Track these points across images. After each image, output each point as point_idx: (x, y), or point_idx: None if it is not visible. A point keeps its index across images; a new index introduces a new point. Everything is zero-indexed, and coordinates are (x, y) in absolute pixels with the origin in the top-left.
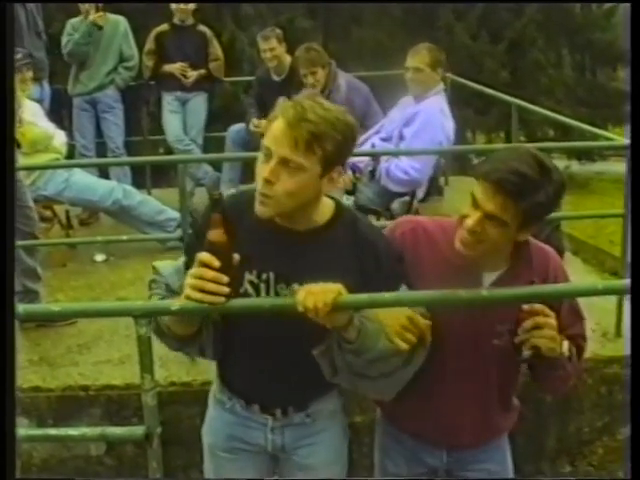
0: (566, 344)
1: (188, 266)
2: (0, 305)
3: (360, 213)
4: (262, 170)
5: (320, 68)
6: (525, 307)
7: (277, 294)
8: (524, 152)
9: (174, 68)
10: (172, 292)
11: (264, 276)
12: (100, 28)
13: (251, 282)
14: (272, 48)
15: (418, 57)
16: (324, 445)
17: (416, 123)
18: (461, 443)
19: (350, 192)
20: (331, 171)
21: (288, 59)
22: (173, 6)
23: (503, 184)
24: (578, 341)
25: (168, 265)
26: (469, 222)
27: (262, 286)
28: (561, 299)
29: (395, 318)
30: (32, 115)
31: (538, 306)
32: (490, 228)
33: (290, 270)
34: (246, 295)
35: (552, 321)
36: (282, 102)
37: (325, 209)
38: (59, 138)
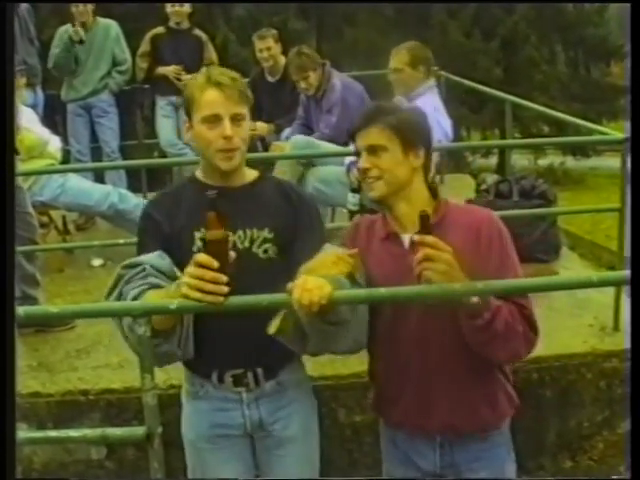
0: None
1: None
2: (0, 310)
3: (283, 179)
4: (216, 133)
5: (312, 72)
6: (415, 237)
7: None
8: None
9: (168, 71)
10: (159, 272)
11: None
12: (81, 42)
13: (200, 238)
14: (269, 47)
15: (397, 57)
16: (297, 415)
17: None
18: (446, 428)
19: (355, 190)
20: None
21: (283, 60)
22: (168, 9)
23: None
24: (516, 299)
25: (143, 256)
26: (359, 163)
27: None
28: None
29: (324, 260)
30: (27, 121)
31: (429, 238)
32: (376, 160)
33: (232, 218)
34: (198, 251)
35: (446, 255)
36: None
37: (249, 172)
38: (54, 144)
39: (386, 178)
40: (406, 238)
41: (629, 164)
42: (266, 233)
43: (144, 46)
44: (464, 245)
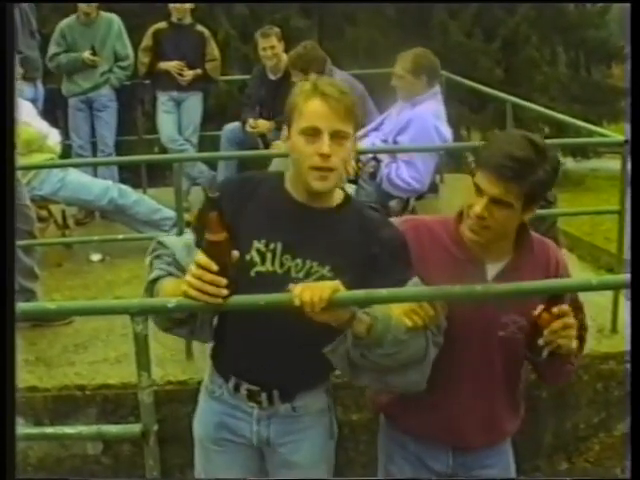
0: (576, 342)
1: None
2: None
3: (371, 207)
4: (313, 148)
5: (313, 73)
6: (555, 310)
7: (282, 264)
8: (518, 136)
9: (170, 66)
10: (179, 268)
11: (272, 245)
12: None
13: (258, 250)
14: (272, 46)
15: (400, 64)
16: (309, 443)
17: (410, 130)
18: (466, 444)
19: (353, 181)
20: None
21: (285, 58)
22: (170, 5)
23: (502, 170)
24: (580, 332)
25: (175, 240)
26: (476, 208)
27: (268, 255)
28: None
29: (404, 305)
30: (26, 115)
31: (566, 308)
32: (496, 212)
33: (298, 243)
34: (251, 262)
35: (575, 322)
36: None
37: (337, 193)
38: (53, 138)
39: (497, 230)
40: (491, 268)
41: (629, 166)
42: (326, 271)
43: (146, 41)
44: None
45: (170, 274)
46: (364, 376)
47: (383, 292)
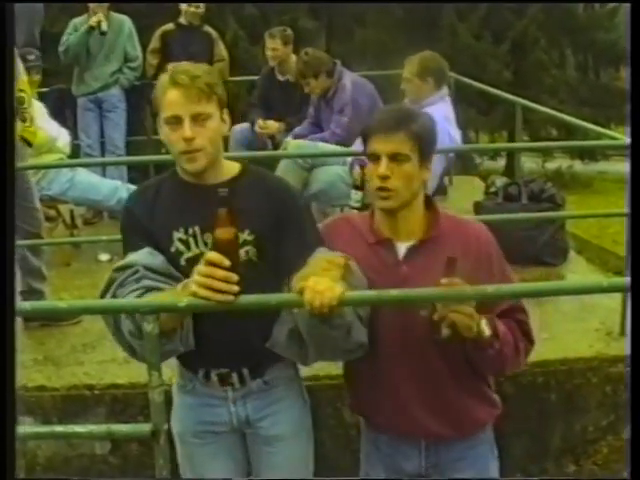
0: (484, 322)
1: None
2: (1, 303)
3: (268, 170)
4: (178, 135)
5: (312, 78)
6: (443, 281)
7: (206, 244)
8: (389, 105)
9: None
10: (156, 272)
11: (190, 230)
12: (103, 33)
13: (180, 239)
14: (274, 48)
15: (408, 67)
16: (285, 414)
17: None
18: (435, 437)
19: (358, 187)
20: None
21: (293, 59)
22: (183, 7)
23: (387, 123)
24: (516, 315)
25: (132, 256)
26: (379, 169)
27: (191, 240)
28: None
29: (315, 267)
30: (36, 117)
31: (456, 280)
32: (397, 169)
33: (211, 220)
34: (178, 252)
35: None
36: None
37: (230, 166)
38: (63, 138)
39: (403, 189)
40: (401, 247)
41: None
42: (246, 235)
43: (154, 43)
44: (464, 260)
45: (147, 289)
46: (310, 354)
47: (393, 292)
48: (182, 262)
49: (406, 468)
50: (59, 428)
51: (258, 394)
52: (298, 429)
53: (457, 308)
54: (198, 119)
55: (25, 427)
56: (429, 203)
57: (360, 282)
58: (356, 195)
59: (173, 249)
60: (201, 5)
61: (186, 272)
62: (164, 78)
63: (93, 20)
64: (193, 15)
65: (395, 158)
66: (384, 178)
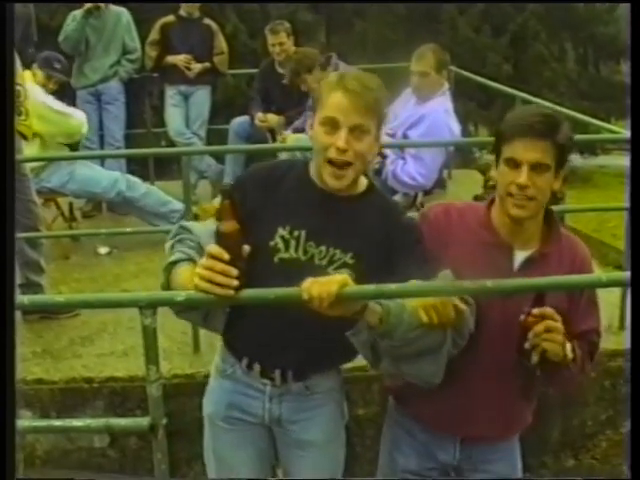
0: (569, 346)
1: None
2: (0, 297)
3: (390, 198)
4: (331, 140)
5: (308, 74)
6: (535, 311)
7: (305, 252)
8: (530, 107)
9: (178, 60)
10: (202, 255)
11: (296, 233)
12: (97, 8)
13: (282, 237)
14: (281, 42)
15: (424, 61)
16: (320, 421)
17: (422, 126)
18: (478, 435)
19: None
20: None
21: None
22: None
23: (536, 127)
24: (591, 337)
25: (201, 227)
26: (520, 179)
27: (292, 242)
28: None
29: (426, 299)
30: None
31: (548, 310)
32: (537, 178)
33: (322, 230)
34: (275, 248)
35: (560, 325)
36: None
37: (361, 180)
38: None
39: (539, 199)
40: (519, 255)
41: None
42: (348, 258)
43: (154, 34)
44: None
45: (190, 259)
46: (383, 361)
47: (392, 287)
48: (275, 260)
49: (440, 457)
50: (57, 422)
51: (296, 396)
52: (330, 439)
53: (550, 337)
54: (356, 131)
55: (23, 421)
56: (548, 213)
57: (467, 329)
58: None
59: (272, 243)
60: None
61: (275, 271)
62: (333, 78)
63: (89, 5)
64: (192, 7)
65: (536, 167)
66: (523, 187)
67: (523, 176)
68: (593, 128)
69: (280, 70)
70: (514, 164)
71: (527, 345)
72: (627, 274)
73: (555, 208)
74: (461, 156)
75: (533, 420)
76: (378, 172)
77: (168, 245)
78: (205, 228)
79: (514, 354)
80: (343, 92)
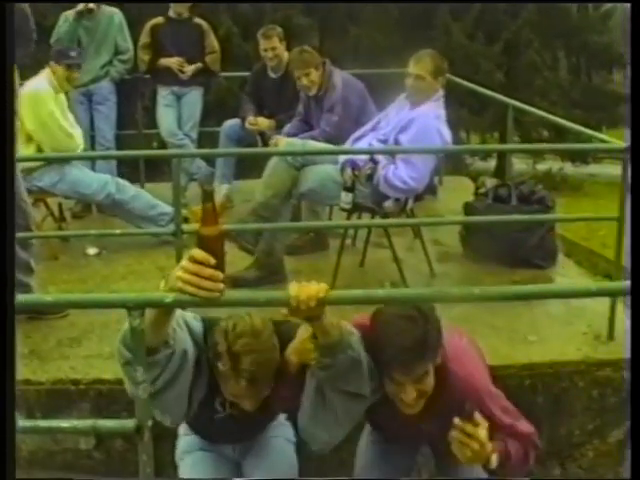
0: (494, 457)
1: None
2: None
3: None
4: None
5: (313, 69)
6: (456, 421)
7: None
8: (398, 321)
9: (171, 62)
10: None
11: None
12: (90, 11)
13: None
14: (274, 47)
15: (421, 64)
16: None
17: (412, 130)
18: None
19: (349, 189)
20: None
21: (286, 56)
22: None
23: (408, 364)
24: (524, 432)
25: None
26: (408, 399)
27: None
28: None
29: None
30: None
31: (457, 422)
32: (421, 386)
33: None
34: None
35: (479, 432)
36: None
37: None
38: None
39: (428, 391)
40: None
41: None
42: None
43: (144, 37)
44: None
45: None
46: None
47: (380, 292)
48: None
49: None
50: (43, 423)
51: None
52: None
53: (458, 445)
54: None
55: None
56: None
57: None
58: (347, 197)
59: None
60: None
61: None
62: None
63: (80, 6)
64: (181, 7)
65: (418, 380)
66: (414, 400)
67: (408, 394)
68: (585, 137)
69: (272, 74)
70: (397, 382)
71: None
72: (616, 284)
73: (547, 217)
74: (452, 162)
75: None
76: (370, 177)
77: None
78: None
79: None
80: None
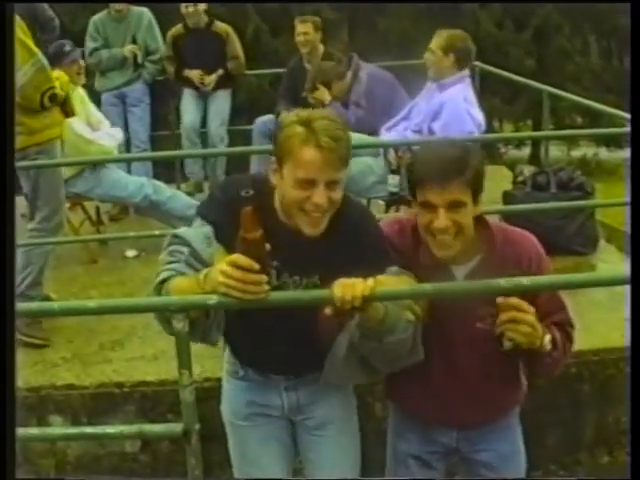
0: (548, 337)
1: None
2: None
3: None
4: (305, 195)
5: (335, 82)
6: (499, 300)
7: (280, 280)
8: (437, 144)
9: (192, 75)
10: (199, 260)
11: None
12: (137, 65)
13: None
14: (306, 32)
15: (435, 40)
16: (337, 398)
17: (443, 116)
18: (468, 422)
19: (395, 171)
20: None
21: (321, 48)
22: (182, 10)
23: (445, 169)
24: (565, 328)
25: (193, 232)
26: (439, 223)
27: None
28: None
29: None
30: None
31: (513, 300)
32: (455, 216)
33: (293, 264)
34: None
35: (529, 317)
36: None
37: None
38: (109, 141)
39: (463, 234)
40: (458, 271)
41: None
42: (316, 279)
43: (167, 50)
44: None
45: (181, 274)
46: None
47: (427, 286)
48: None
49: (439, 440)
50: (89, 429)
51: (311, 382)
52: (348, 415)
53: (513, 327)
54: (331, 183)
55: (55, 428)
56: (479, 220)
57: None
58: (393, 180)
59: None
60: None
61: None
62: (301, 129)
63: (128, 49)
64: (193, 15)
65: (452, 206)
66: (444, 229)
67: (441, 220)
68: (619, 121)
69: (308, 66)
70: (430, 207)
71: (496, 331)
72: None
73: (587, 203)
74: (487, 152)
75: (567, 417)
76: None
77: (161, 258)
78: (199, 233)
79: (477, 350)
80: (316, 149)
